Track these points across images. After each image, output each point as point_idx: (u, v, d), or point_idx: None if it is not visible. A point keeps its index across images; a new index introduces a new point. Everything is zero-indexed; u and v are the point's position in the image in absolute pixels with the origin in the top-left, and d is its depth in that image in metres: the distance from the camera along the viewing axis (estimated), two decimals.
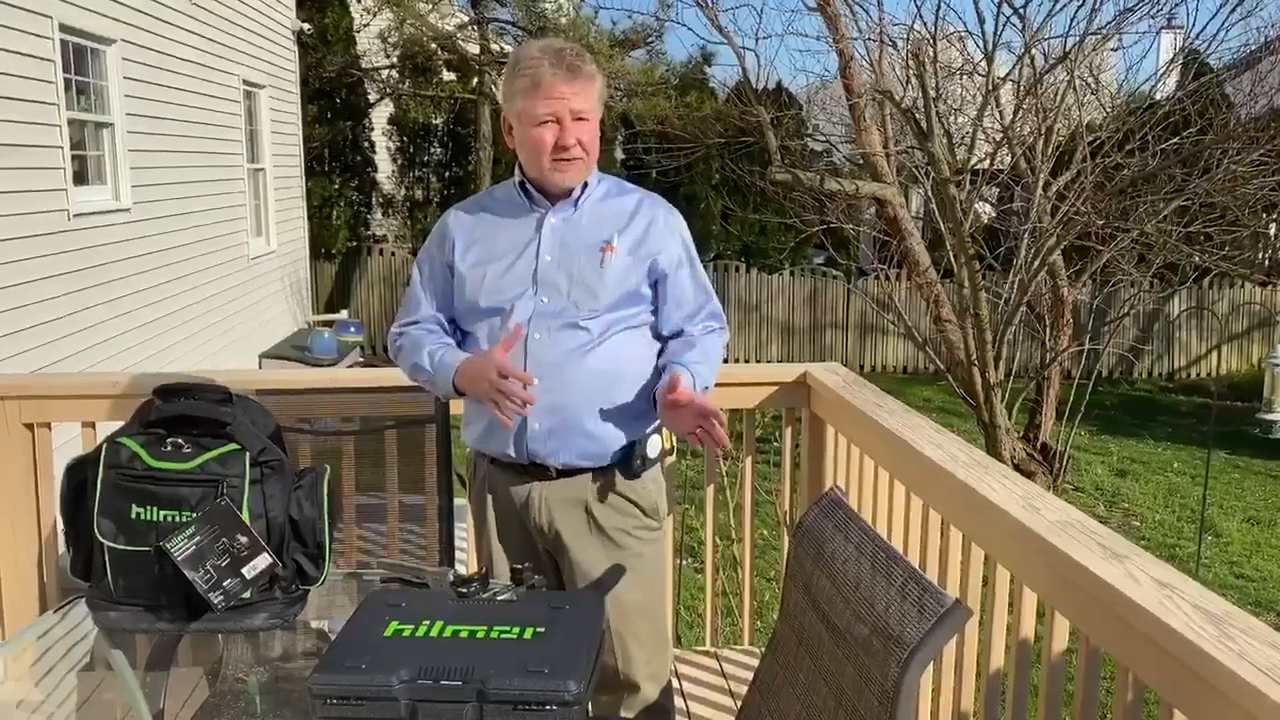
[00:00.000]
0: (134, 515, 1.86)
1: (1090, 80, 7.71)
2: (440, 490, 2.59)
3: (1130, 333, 13.20)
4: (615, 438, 2.16)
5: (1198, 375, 13.49)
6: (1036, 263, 6.69)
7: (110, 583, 1.89)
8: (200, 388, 2.02)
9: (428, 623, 1.52)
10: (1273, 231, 12.39)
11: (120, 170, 7.17)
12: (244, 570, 1.85)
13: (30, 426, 2.87)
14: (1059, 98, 6.97)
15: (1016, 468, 6.92)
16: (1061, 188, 6.99)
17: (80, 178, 6.71)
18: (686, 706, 2.96)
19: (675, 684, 2.79)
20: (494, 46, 13.88)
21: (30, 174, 5.92)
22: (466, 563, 2.98)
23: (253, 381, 2.71)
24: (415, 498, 2.61)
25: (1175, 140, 7.15)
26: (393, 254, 14.17)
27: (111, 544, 1.87)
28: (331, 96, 13.95)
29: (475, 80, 14.14)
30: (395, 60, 14.41)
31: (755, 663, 2.29)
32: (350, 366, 10.04)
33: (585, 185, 2.19)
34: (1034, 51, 6.63)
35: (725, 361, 2.32)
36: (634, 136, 14.52)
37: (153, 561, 1.84)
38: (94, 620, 1.93)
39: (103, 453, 1.91)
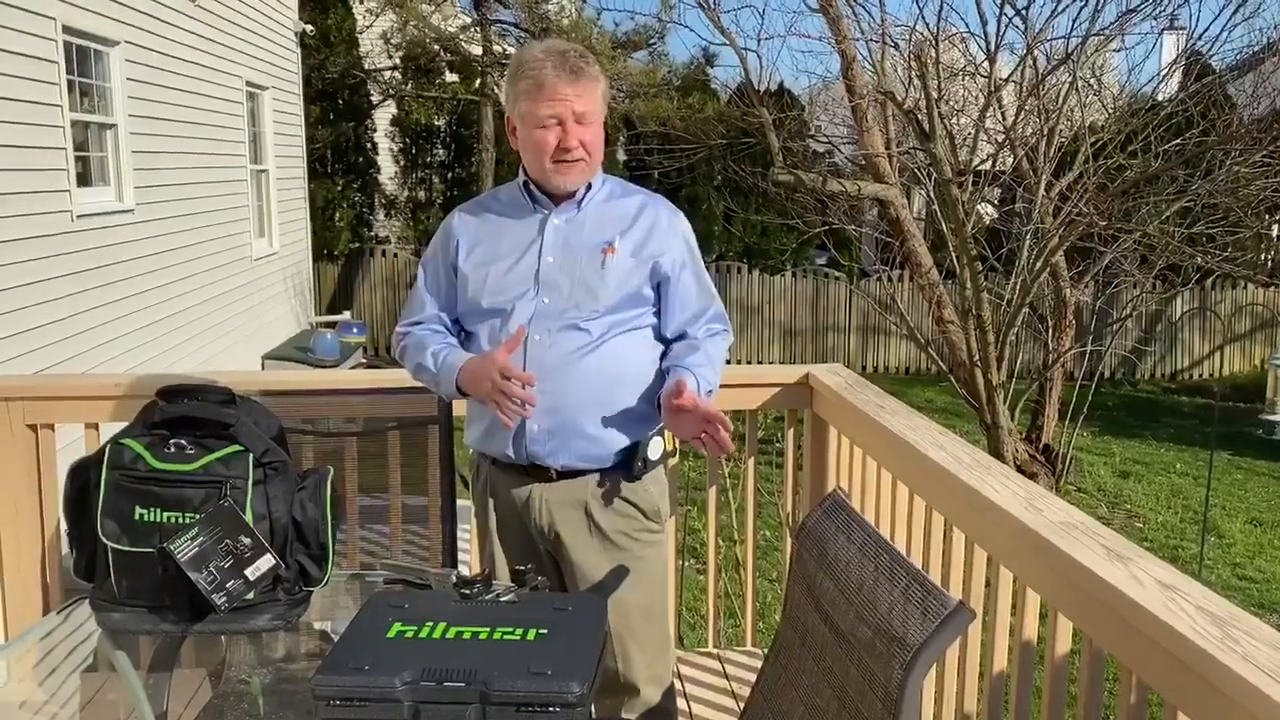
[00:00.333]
0: (137, 516, 1.87)
1: (1093, 81, 7.71)
2: (443, 491, 2.59)
3: (1133, 334, 13.19)
4: (616, 440, 2.16)
5: (1200, 376, 13.48)
6: (1039, 264, 6.68)
7: (113, 584, 1.89)
8: (203, 389, 2.02)
9: (430, 624, 1.52)
10: (1275, 232, 12.40)
11: (123, 172, 7.18)
12: (247, 571, 1.85)
13: (34, 428, 2.88)
14: (1061, 99, 6.97)
15: (1019, 469, 6.92)
16: (1064, 189, 6.99)
17: (84, 179, 6.71)
18: (689, 708, 2.95)
19: (678, 685, 2.78)
20: (496, 48, 13.89)
21: (34, 175, 5.93)
22: (469, 564, 2.98)
23: (256, 383, 2.71)
24: (418, 499, 2.61)
25: (1178, 141, 7.15)
26: (395, 255, 14.18)
27: (115, 545, 1.87)
28: (334, 98, 13.97)
29: (478, 81, 14.15)
30: (398, 61, 14.42)
31: (758, 664, 2.29)
32: (353, 368, 10.05)
33: (589, 186, 2.19)
34: (1036, 52, 6.63)
35: (727, 363, 2.32)
36: (636, 138, 14.52)
37: (156, 563, 1.84)
38: (97, 621, 1.93)
39: (106, 454, 1.91)
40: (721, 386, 2.26)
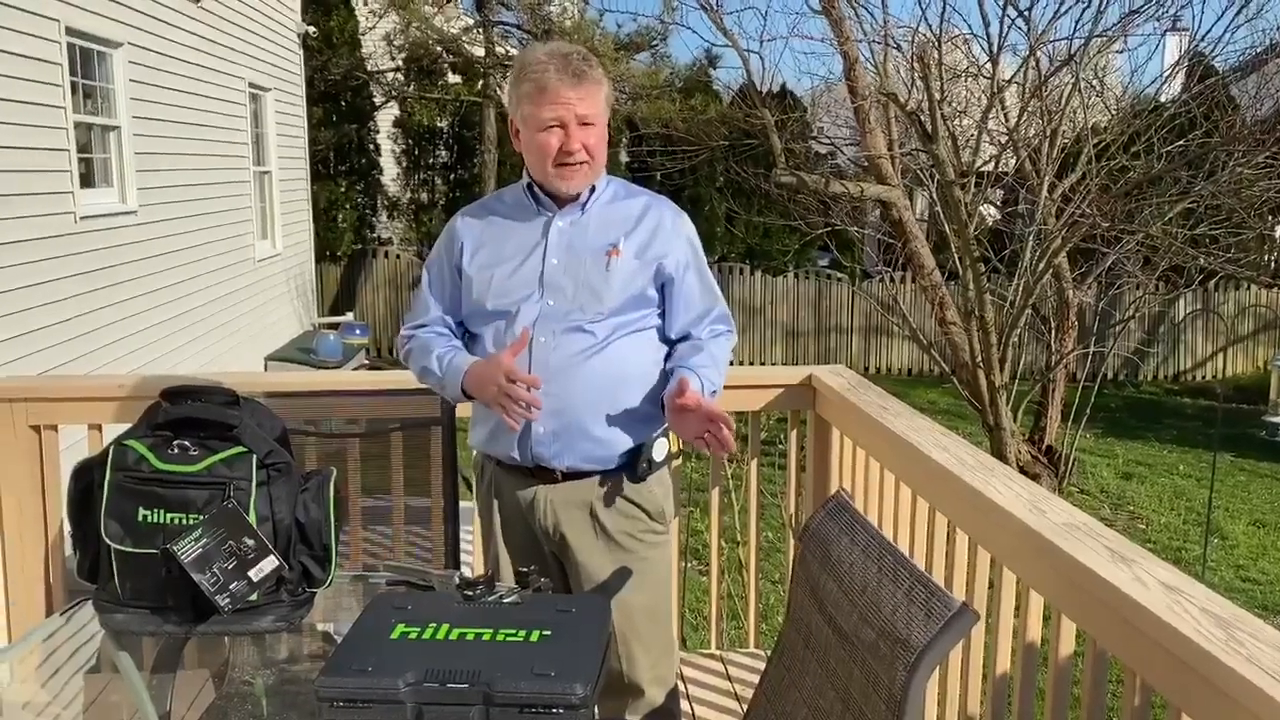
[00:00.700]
0: (141, 518, 1.87)
1: (1095, 83, 7.70)
2: (445, 493, 2.59)
3: (1136, 335, 13.18)
4: (621, 441, 2.16)
5: (1203, 377, 13.47)
6: (1042, 265, 6.68)
7: (117, 585, 1.89)
8: (207, 390, 2.02)
9: (434, 625, 1.52)
10: (1278, 234, 12.37)
11: (127, 173, 7.19)
12: (250, 573, 1.85)
13: (37, 429, 2.88)
14: (1064, 100, 6.96)
15: (1021, 470, 6.91)
16: (1067, 190, 6.98)
17: (87, 180, 6.72)
18: (692, 710, 2.95)
19: (680, 687, 2.78)
20: (499, 49, 13.90)
21: (38, 177, 5.94)
22: (472, 565, 2.98)
23: (259, 384, 2.71)
24: (421, 500, 2.61)
25: (1181, 143, 7.14)
26: (398, 256, 14.19)
27: (118, 546, 1.87)
28: (337, 99, 13.98)
29: (480, 83, 14.16)
30: (400, 63, 14.43)
31: (761, 666, 2.29)
32: (355, 369, 10.06)
33: (593, 189, 2.19)
34: (1039, 54, 6.62)
35: (730, 364, 2.32)
36: (638, 139, 14.53)
37: (159, 564, 1.84)
38: (101, 622, 1.93)
39: (110, 455, 1.91)
40: (724, 388, 2.26)
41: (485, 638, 1.49)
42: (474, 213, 2.28)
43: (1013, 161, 7.57)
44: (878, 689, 1.40)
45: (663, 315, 2.23)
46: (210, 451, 1.91)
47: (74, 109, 6.40)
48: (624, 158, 15.15)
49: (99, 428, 2.91)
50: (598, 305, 2.12)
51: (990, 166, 7.62)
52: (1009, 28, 6.53)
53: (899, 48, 7.20)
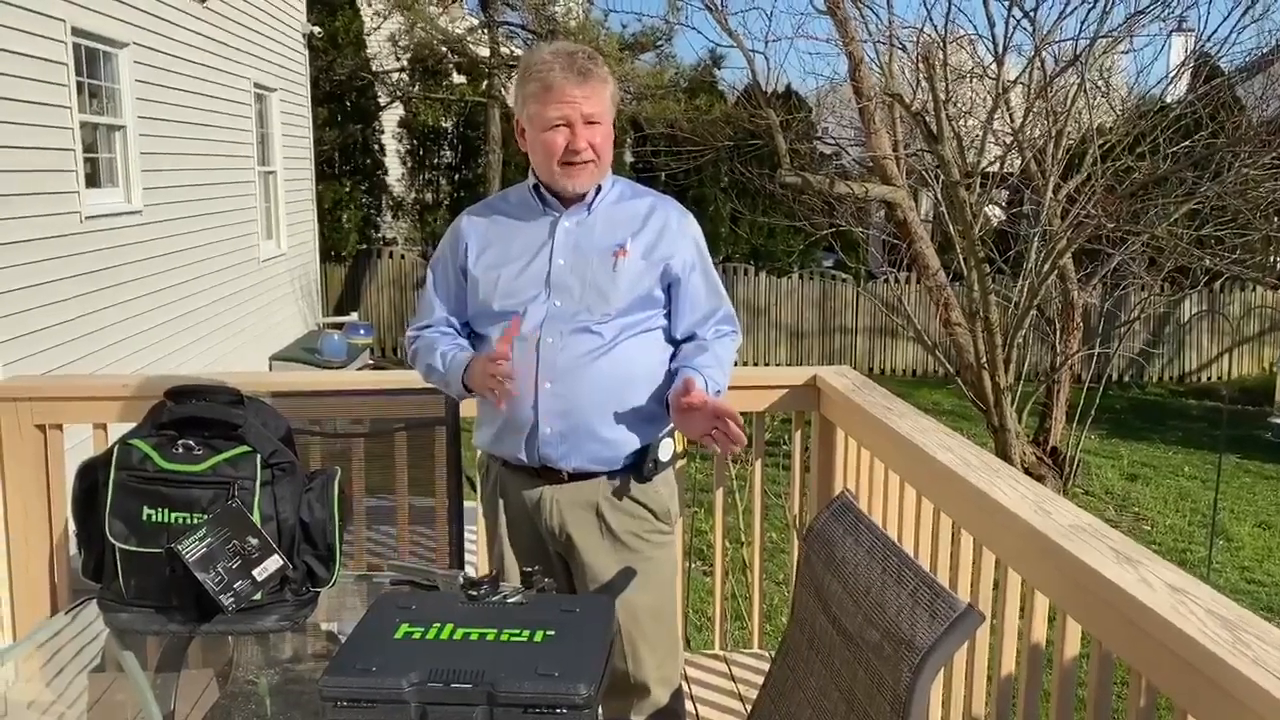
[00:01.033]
0: (145, 517, 1.87)
1: (1101, 83, 7.69)
2: (450, 493, 2.59)
3: (1141, 336, 13.16)
4: (627, 441, 2.16)
5: (1209, 379, 13.44)
6: (1047, 266, 6.67)
7: (121, 584, 1.89)
8: (211, 390, 2.02)
9: (438, 625, 1.51)
10: None
11: (132, 173, 7.20)
12: (255, 572, 1.85)
13: (42, 428, 2.88)
14: (1069, 101, 6.95)
15: (1026, 471, 6.90)
16: (1072, 191, 6.98)
17: (92, 180, 6.73)
18: (696, 710, 2.95)
19: (685, 688, 2.78)
20: (504, 50, 13.91)
21: (43, 176, 5.95)
22: (476, 565, 2.98)
23: (264, 383, 2.71)
24: (425, 500, 2.61)
25: (1186, 143, 7.13)
26: (402, 257, 14.20)
27: (123, 545, 1.88)
28: (342, 99, 14.00)
29: (485, 83, 14.18)
30: (405, 63, 14.45)
31: (765, 666, 2.28)
32: (360, 369, 10.07)
33: (599, 189, 2.19)
34: (1044, 54, 6.61)
35: (734, 365, 2.32)
36: (643, 139, 14.53)
37: (164, 563, 1.84)
38: (105, 621, 1.93)
39: (114, 454, 1.91)
40: (729, 388, 2.25)
41: (489, 638, 1.49)
42: (479, 212, 2.28)
43: (1018, 162, 7.56)
44: (882, 690, 1.40)
45: (668, 316, 2.23)
46: (215, 451, 1.91)
47: (79, 109, 6.41)
48: (629, 158, 15.15)
49: (104, 427, 2.91)
50: (605, 306, 2.12)
51: (995, 167, 7.61)
52: (1014, 28, 6.53)
53: (904, 48, 7.20)
